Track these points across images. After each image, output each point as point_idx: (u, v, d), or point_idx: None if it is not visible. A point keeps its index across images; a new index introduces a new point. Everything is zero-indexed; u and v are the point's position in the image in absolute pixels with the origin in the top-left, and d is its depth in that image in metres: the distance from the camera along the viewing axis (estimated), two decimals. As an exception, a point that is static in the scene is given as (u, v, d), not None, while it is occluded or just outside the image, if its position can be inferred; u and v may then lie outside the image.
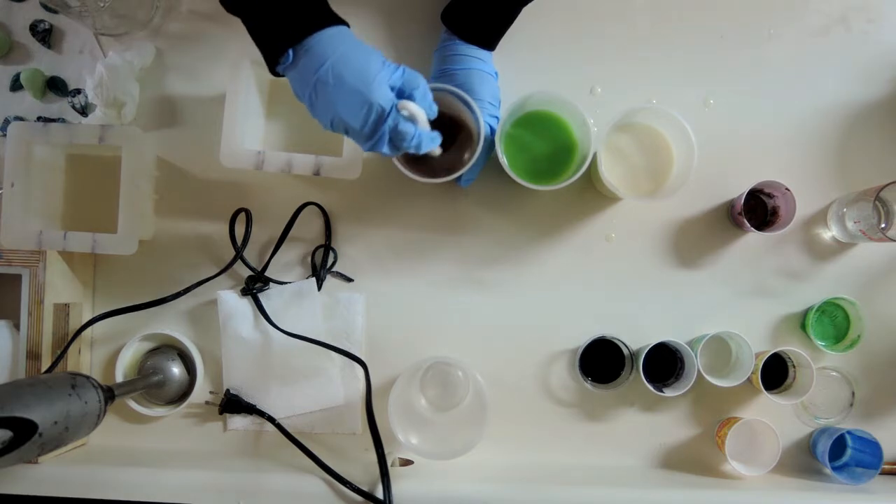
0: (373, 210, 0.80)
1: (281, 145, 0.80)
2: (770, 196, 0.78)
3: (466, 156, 0.72)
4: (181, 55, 0.82)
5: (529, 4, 0.73)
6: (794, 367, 0.78)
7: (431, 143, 0.63)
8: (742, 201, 0.75)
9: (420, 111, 0.61)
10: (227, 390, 0.78)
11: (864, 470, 0.75)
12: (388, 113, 0.59)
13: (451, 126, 0.73)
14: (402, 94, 0.61)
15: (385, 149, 0.61)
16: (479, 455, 0.71)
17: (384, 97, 0.58)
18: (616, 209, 0.80)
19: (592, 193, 0.80)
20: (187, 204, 0.81)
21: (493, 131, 0.72)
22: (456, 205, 0.80)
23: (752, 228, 0.75)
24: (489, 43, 0.74)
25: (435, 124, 0.65)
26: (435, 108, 0.64)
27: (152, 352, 0.80)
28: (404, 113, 0.60)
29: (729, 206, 0.80)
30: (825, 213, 0.80)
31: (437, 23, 0.76)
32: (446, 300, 0.80)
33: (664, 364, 0.78)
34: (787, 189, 0.74)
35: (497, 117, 0.74)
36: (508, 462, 0.78)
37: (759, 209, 0.78)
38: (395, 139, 0.61)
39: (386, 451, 0.73)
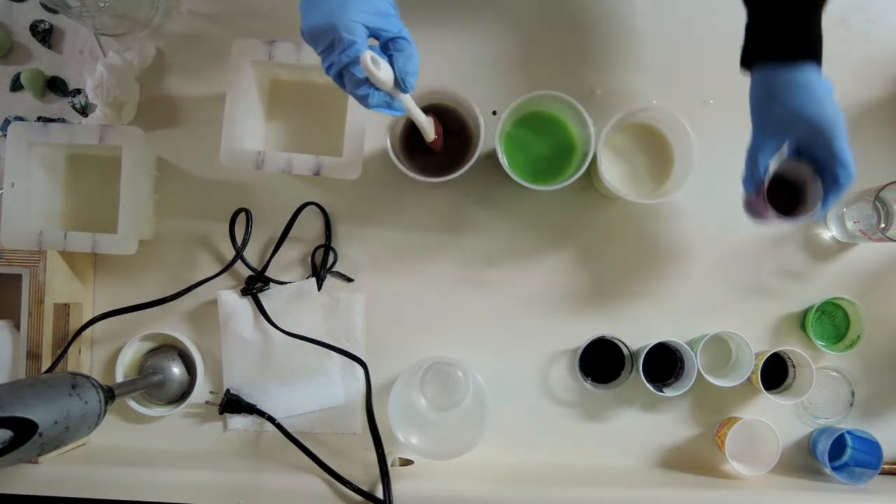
0: (373, 210, 0.80)
1: (281, 145, 0.80)
2: (792, 182, 0.69)
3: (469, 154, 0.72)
4: (181, 55, 0.82)
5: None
6: (793, 367, 0.78)
7: (385, 108, 0.60)
8: (766, 186, 0.66)
9: (379, 73, 0.56)
10: (227, 390, 0.78)
11: (864, 470, 0.75)
12: (345, 48, 0.55)
13: (451, 125, 0.73)
14: (385, 47, 0.59)
15: (336, 80, 0.58)
16: (479, 455, 0.71)
17: (348, 29, 0.55)
18: (616, 209, 0.80)
19: (592, 193, 0.80)
20: (187, 204, 0.81)
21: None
22: (456, 205, 0.80)
23: (779, 215, 0.66)
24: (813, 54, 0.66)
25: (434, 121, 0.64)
26: (412, 82, 0.59)
27: (152, 352, 0.80)
28: (361, 63, 0.55)
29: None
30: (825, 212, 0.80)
31: None
32: (446, 300, 0.80)
33: (664, 364, 0.78)
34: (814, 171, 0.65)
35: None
36: (508, 462, 0.78)
37: (781, 196, 0.68)
38: (346, 78, 0.58)
39: (386, 451, 0.73)
